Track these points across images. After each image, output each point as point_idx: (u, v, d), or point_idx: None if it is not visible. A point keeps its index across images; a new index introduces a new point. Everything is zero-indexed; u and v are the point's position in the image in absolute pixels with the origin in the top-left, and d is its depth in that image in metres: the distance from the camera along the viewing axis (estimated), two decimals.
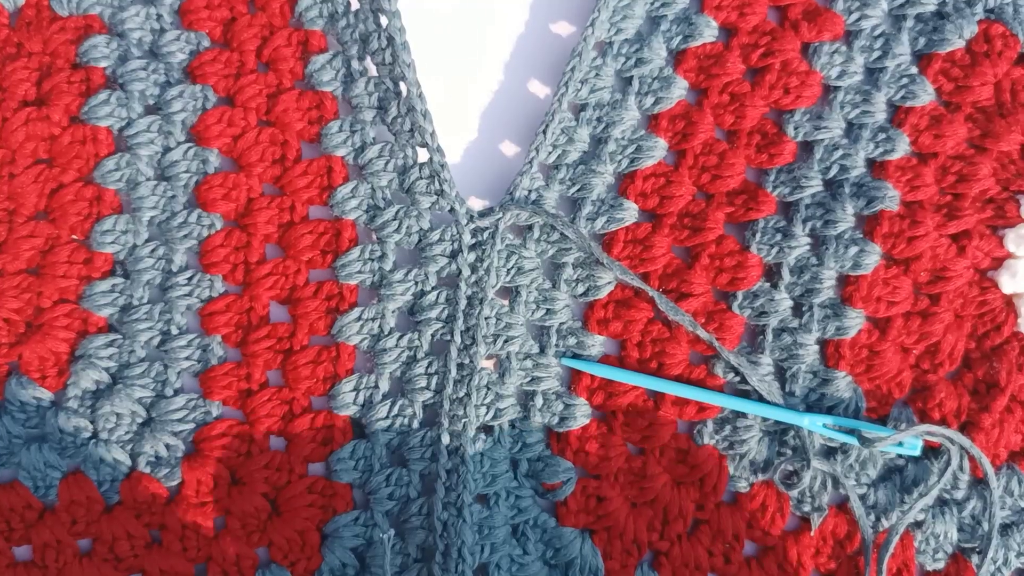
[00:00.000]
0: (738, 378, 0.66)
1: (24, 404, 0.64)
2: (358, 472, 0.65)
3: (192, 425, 0.65)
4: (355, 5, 0.67)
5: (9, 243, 0.64)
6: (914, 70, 0.67)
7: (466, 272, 0.65)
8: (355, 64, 0.67)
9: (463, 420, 0.64)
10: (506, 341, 0.66)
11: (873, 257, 0.65)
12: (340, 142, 0.66)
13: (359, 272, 0.66)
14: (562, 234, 0.65)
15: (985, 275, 0.66)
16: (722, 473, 0.65)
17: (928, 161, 0.66)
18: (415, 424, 0.65)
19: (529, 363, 0.66)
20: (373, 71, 0.67)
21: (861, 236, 0.66)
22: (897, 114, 0.67)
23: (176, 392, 0.65)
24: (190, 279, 0.65)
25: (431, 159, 0.66)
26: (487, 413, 0.65)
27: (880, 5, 0.67)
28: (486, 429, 0.65)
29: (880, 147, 0.66)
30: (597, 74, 0.67)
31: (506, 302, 0.66)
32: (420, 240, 0.66)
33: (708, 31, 0.67)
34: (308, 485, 0.65)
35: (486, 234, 0.66)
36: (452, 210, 0.66)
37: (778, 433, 0.66)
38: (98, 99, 0.65)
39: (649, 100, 0.67)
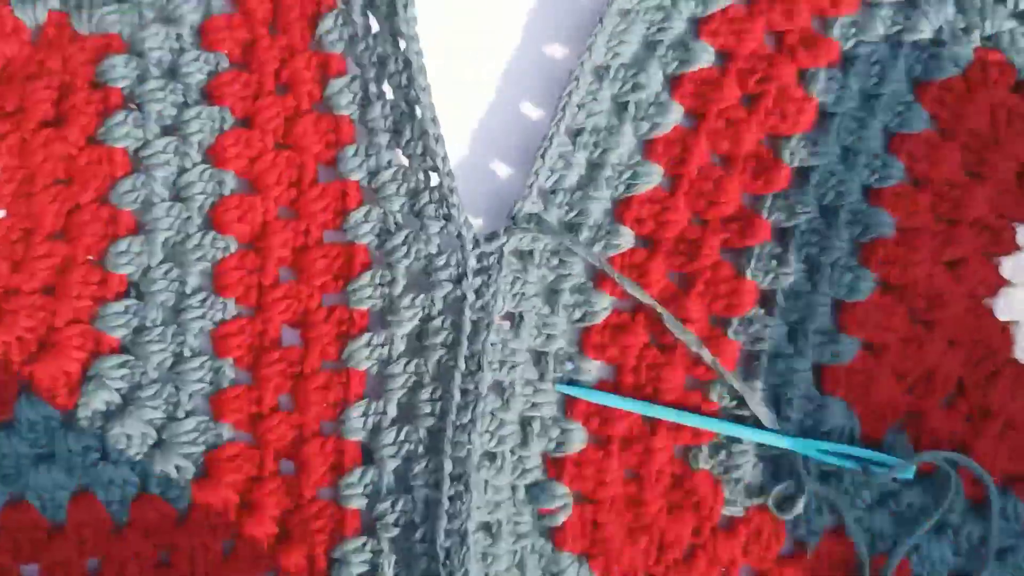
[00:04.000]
0: (733, 403, 0.66)
1: (33, 423, 0.64)
2: (366, 497, 0.65)
3: (203, 447, 0.65)
4: (375, 28, 0.67)
5: (26, 262, 0.64)
6: (910, 97, 0.67)
7: (471, 297, 0.65)
8: (372, 87, 0.67)
9: (467, 447, 0.64)
10: (511, 368, 0.65)
11: (868, 284, 0.65)
12: (356, 166, 0.66)
13: (369, 297, 0.66)
14: (562, 259, 0.66)
15: (981, 303, 0.66)
16: (717, 498, 0.66)
17: (923, 188, 0.66)
18: (420, 450, 0.65)
19: (530, 389, 0.66)
20: (390, 94, 0.67)
21: (856, 263, 0.66)
22: (893, 141, 0.67)
23: (187, 414, 0.65)
24: (203, 301, 0.65)
25: (441, 183, 0.66)
26: (491, 440, 0.65)
27: (876, 31, 0.67)
28: (489, 456, 0.65)
29: (876, 174, 0.66)
30: (594, 99, 0.66)
31: (509, 327, 0.66)
32: (427, 265, 0.66)
33: (704, 56, 0.67)
34: (317, 510, 0.64)
35: (491, 259, 0.66)
36: (459, 235, 0.66)
37: (773, 458, 0.66)
38: (115, 120, 0.65)
39: (645, 126, 0.67)
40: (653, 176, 0.66)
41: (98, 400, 0.64)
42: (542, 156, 0.65)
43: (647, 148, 0.67)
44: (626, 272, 0.66)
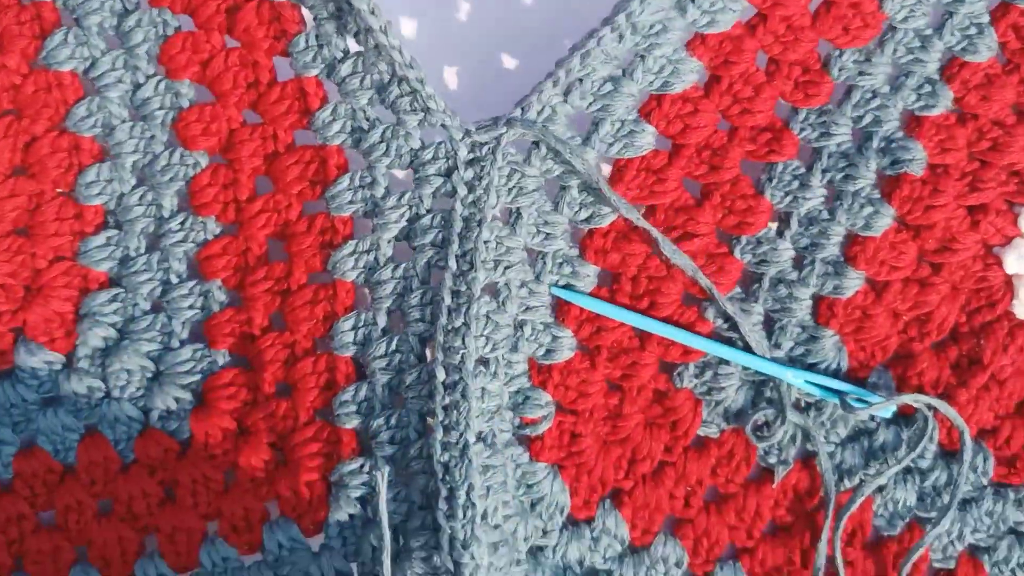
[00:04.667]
0: (727, 325, 0.62)
1: (36, 370, 0.62)
2: (361, 416, 0.62)
3: (199, 376, 0.62)
4: None
5: None
6: (985, 19, 0.61)
7: (462, 191, 0.60)
8: None
9: (461, 352, 0.59)
10: (507, 267, 0.60)
11: (886, 220, 0.61)
12: (309, 60, 0.60)
13: (350, 203, 0.61)
14: (573, 153, 0.60)
15: (991, 251, 0.62)
16: (695, 418, 0.63)
17: (967, 122, 0.62)
18: (412, 360, 0.61)
19: (525, 291, 0.61)
20: None
21: (878, 196, 0.62)
22: (950, 65, 0.61)
23: (182, 343, 0.62)
24: (183, 223, 0.62)
25: (407, 76, 0.59)
26: (486, 345, 0.60)
27: None
28: (483, 362, 0.60)
29: (922, 100, 0.61)
30: None
31: (503, 224, 0.61)
32: (412, 161, 0.60)
33: None
34: (313, 432, 0.62)
35: (485, 150, 0.60)
36: (444, 125, 0.60)
37: (757, 384, 0.63)
38: (55, 41, 0.60)
39: (704, 19, 0.61)
40: (693, 74, 0.61)
41: (95, 338, 0.62)
42: (581, 52, 0.59)
43: (696, 43, 0.61)
44: (642, 176, 0.62)
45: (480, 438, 0.60)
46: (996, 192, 0.62)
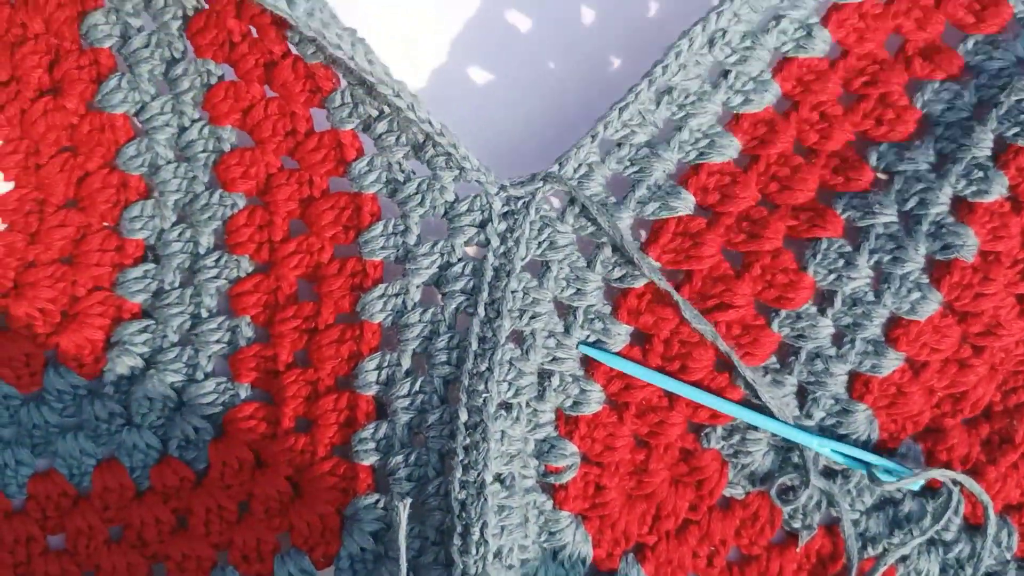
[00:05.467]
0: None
1: (62, 393, 0.64)
2: (379, 453, 0.63)
3: (221, 408, 0.64)
4: None
5: (41, 233, 0.65)
6: None
7: (495, 242, 0.62)
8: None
9: (483, 395, 0.61)
10: (532, 317, 0.62)
11: (933, 305, 0.61)
12: (346, 115, 0.63)
13: (383, 248, 0.63)
14: (611, 213, 0.62)
15: None
16: (722, 478, 0.63)
17: (1021, 211, 0.61)
18: (435, 400, 0.62)
19: (552, 342, 0.62)
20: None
21: (927, 282, 0.62)
22: (1005, 152, 0.61)
23: (206, 376, 0.64)
24: (217, 260, 0.64)
25: (439, 142, 0.62)
26: (508, 390, 0.62)
27: (1016, 52, 0.62)
28: (505, 407, 0.62)
29: (974, 185, 0.61)
30: (697, 61, 0.62)
31: (531, 276, 0.63)
32: (447, 212, 0.63)
33: (821, 45, 0.62)
34: (330, 467, 0.63)
35: (520, 203, 0.62)
36: (479, 181, 0.63)
37: (784, 449, 0.63)
38: (109, 85, 0.64)
39: (739, 99, 0.63)
40: (730, 149, 0.63)
41: (122, 366, 0.64)
42: (620, 108, 0.62)
43: (732, 121, 0.63)
44: (678, 240, 0.63)
45: (498, 479, 0.61)
46: None
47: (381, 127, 0.63)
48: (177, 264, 0.65)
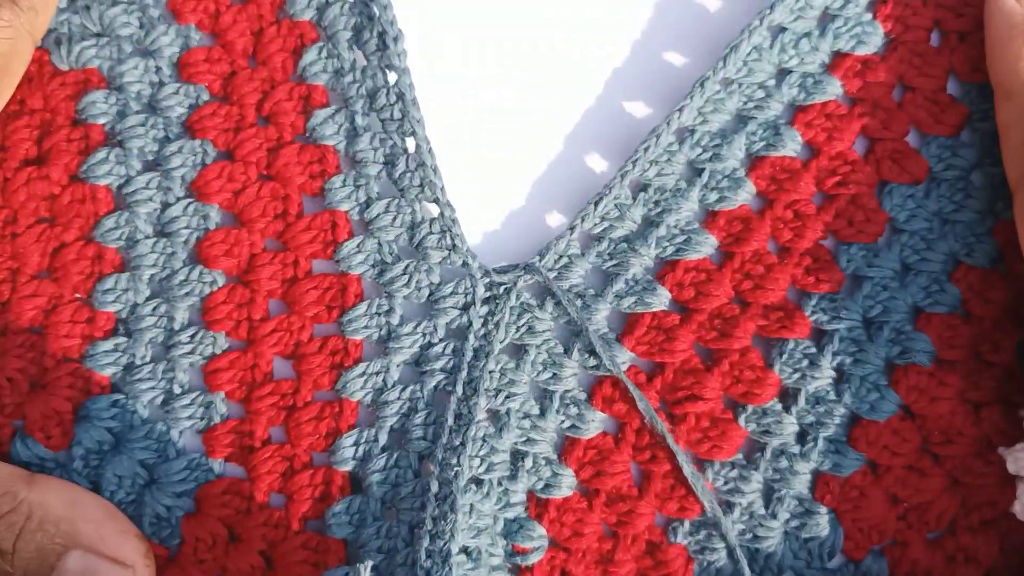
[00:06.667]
0: (727, 487, 0.65)
1: (28, 465, 0.63)
2: (352, 527, 0.64)
3: (194, 484, 0.64)
4: (362, 62, 0.67)
5: (13, 302, 0.64)
6: (984, 228, 0.67)
7: (476, 325, 0.65)
8: (359, 119, 0.66)
9: (455, 469, 0.63)
10: (507, 397, 0.65)
11: (891, 407, 0.65)
12: (344, 197, 0.66)
13: (365, 328, 0.65)
14: (586, 304, 0.65)
15: (995, 450, 0.65)
16: (687, 575, 0.65)
17: (971, 324, 0.66)
18: (409, 475, 0.64)
19: (527, 423, 0.65)
20: (378, 127, 0.67)
21: (885, 384, 0.65)
22: (957, 270, 0.66)
23: (178, 453, 0.64)
24: (192, 336, 0.65)
25: (442, 214, 0.66)
26: (480, 465, 0.64)
27: (973, 157, 0.67)
28: (476, 482, 0.64)
29: (931, 297, 0.66)
30: (669, 159, 0.66)
31: (508, 358, 0.66)
32: (431, 294, 0.66)
33: (792, 144, 0.67)
34: (302, 542, 0.64)
35: (501, 289, 0.65)
36: (465, 264, 0.66)
37: (751, 551, 0.65)
38: (96, 157, 0.65)
39: (713, 196, 0.66)
40: (706, 247, 0.66)
41: (90, 440, 0.64)
42: (596, 203, 0.65)
43: (708, 218, 0.67)
44: (652, 334, 0.66)
45: (464, 550, 0.63)
46: (998, 392, 0.65)
47: (378, 208, 0.65)
48: (150, 339, 0.65)
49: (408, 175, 0.66)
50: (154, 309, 0.65)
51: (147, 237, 0.65)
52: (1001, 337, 0.66)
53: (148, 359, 0.65)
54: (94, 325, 0.65)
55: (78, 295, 0.65)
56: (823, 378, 0.65)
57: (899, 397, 0.65)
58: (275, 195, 0.66)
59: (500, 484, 0.65)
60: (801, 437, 0.66)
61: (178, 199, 0.65)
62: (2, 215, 0.64)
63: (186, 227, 0.65)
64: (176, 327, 0.65)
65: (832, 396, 0.65)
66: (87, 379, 0.64)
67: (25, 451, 0.63)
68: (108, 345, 0.65)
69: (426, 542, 0.62)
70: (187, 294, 0.65)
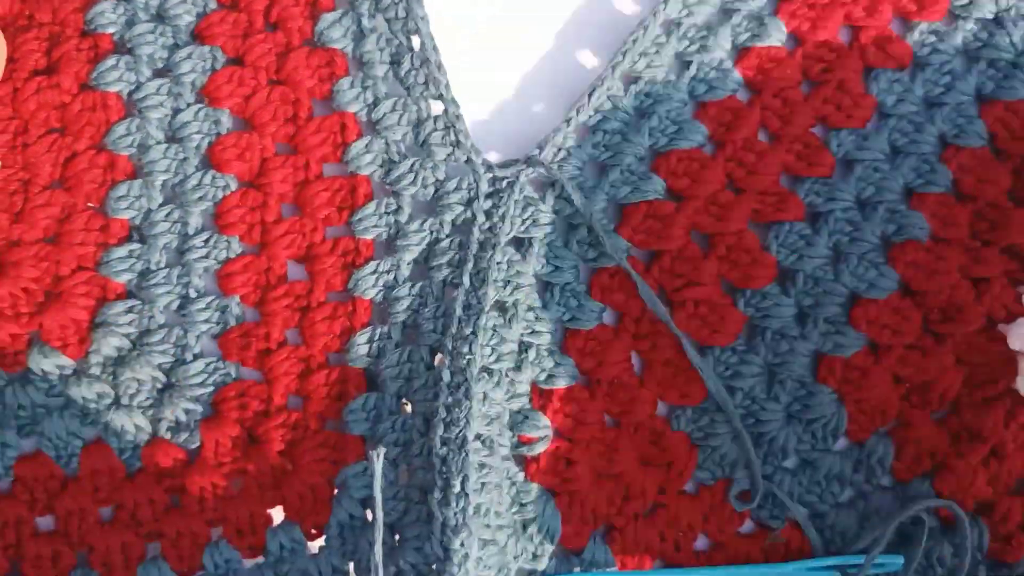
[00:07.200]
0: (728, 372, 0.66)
1: (47, 373, 0.64)
2: (368, 423, 0.64)
3: (211, 388, 0.64)
4: None
5: (25, 213, 0.64)
6: (973, 111, 0.66)
7: (480, 218, 0.65)
8: (365, 21, 0.66)
9: (467, 358, 0.63)
10: (515, 288, 0.65)
11: (890, 283, 0.65)
12: (352, 98, 0.66)
13: (375, 226, 0.65)
14: (586, 196, 0.65)
15: (996, 327, 0.65)
16: (690, 462, 0.65)
17: (966, 203, 0.66)
18: (422, 368, 0.64)
19: (532, 315, 0.65)
20: (384, 28, 0.66)
21: (883, 261, 0.65)
22: (947, 151, 0.66)
23: (195, 356, 0.65)
24: (207, 241, 0.65)
25: (446, 111, 0.65)
26: (491, 355, 0.64)
27: (955, 43, 0.67)
28: (487, 371, 0.64)
29: (922, 178, 0.66)
30: (657, 51, 0.66)
31: (515, 251, 0.65)
32: (436, 191, 0.65)
33: (777, 34, 0.67)
34: (321, 441, 0.64)
35: (504, 183, 0.65)
36: (469, 160, 0.65)
37: (755, 436, 0.65)
38: (107, 64, 0.65)
39: (702, 88, 0.67)
40: (698, 136, 0.66)
41: (108, 347, 0.64)
42: (589, 95, 0.65)
43: (699, 109, 0.67)
44: (649, 222, 0.66)
45: (479, 438, 0.63)
46: (998, 269, 0.65)
47: (385, 107, 0.65)
48: (164, 244, 0.65)
49: (413, 72, 0.65)
50: (167, 215, 0.65)
51: (159, 143, 0.65)
52: (1002, 217, 0.65)
53: (163, 264, 0.65)
54: (108, 232, 0.65)
55: (91, 204, 0.65)
56: (820, 256, 0.65)
57: (897, 274, 0.65)
58: (285, 99, 0.65)
59: (507, 375, 0.64)
60: (801, 319, 0.66)
61: (188, 105, 0.65)
62: (13, 126, 0.64)
63: (197, 132, 0.65)
64: (190, 232, 0.65)
65: (830, 276, 0.65)
66: (103, 286, 0.65)
67: (43, 360, 0.64)
68: (123, 252, 0.65)
69: (441, 430, 0.62)
70: (200, 199, 0.65)
